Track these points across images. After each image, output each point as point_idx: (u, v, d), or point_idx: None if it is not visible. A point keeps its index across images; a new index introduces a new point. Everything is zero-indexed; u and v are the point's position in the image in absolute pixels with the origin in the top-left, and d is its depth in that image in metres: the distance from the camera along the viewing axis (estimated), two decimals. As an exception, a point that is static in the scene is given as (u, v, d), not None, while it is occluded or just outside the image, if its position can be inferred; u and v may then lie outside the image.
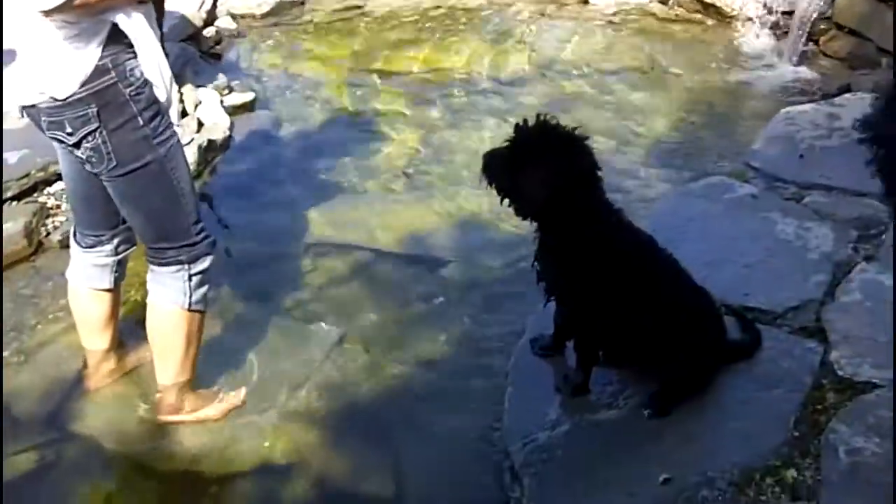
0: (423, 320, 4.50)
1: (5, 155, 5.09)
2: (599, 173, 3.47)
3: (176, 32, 7.18)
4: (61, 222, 5.01)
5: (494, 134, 6.31)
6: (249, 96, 6.77)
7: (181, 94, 6.00)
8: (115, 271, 3.83)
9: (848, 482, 3.23)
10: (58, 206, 5.15)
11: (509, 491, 3.48)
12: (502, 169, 3.44)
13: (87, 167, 3.32)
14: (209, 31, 7.93)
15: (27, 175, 5.17)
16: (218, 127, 6.15)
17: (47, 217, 5.08)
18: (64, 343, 4.15)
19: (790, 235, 4.62)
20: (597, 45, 7.91)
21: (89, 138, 3.19)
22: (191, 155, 5.61)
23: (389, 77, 7.33)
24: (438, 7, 8.65)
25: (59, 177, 4.78)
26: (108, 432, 3.90)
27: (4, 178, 5.03)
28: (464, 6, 8.65)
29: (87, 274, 3.84)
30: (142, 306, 3.89)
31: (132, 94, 3.18)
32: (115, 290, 3.89)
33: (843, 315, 4.03)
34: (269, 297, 4.68)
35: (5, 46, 3.29)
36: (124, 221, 3.62)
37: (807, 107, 6.12)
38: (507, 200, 3.50)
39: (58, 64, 3.08)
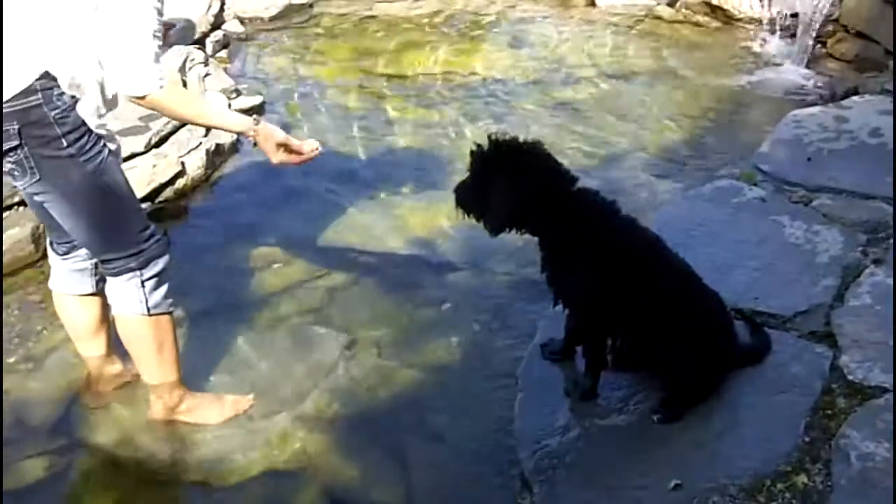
0: (433, 325, 4.49)
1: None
2: (568, 175, 3.48)
3: (183, 36, 7.19)
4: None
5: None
6: (257, 100, 6.77)
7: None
8: (95, 275, 3.81)
9: (859, 487, 3.21)
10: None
11: (519, 497, 3.46)
12: (468, 198, 3.55)
13: (10, 179, 3.32)
14: (217, 35, 7.94)
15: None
16: (226, 131, 6.13)
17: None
18: (71, 349, 4.13)
19: (799, 239, 4.62)
20: (604, 48, 7.92)
21: (11, 154, 3.18)
22: (198, 159, 5.63)
23: (397, 80, 7.34)
24: (446, 10, 8.66)
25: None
26: (116, 438, 3.89)
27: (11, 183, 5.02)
28: (472, 9, 8.65)
29: (68, 280, 3.85)
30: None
31: (56, 116, 3.16)
32: (100, 295, 3.86)
33: (853, 319, 4.03)
34: (278, 302, 4.67)
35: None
36: None
37: (814, 109, 6.12)
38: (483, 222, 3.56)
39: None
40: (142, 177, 5.24)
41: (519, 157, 3.41)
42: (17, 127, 3.12)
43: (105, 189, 3.35)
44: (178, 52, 6.74)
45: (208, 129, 5.88)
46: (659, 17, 8.45)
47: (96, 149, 3.30)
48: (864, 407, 3.55)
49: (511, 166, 3.38)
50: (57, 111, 3.15)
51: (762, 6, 8.09)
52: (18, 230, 4.78)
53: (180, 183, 5.60)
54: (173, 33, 6.91)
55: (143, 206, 4.80)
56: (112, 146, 3.43)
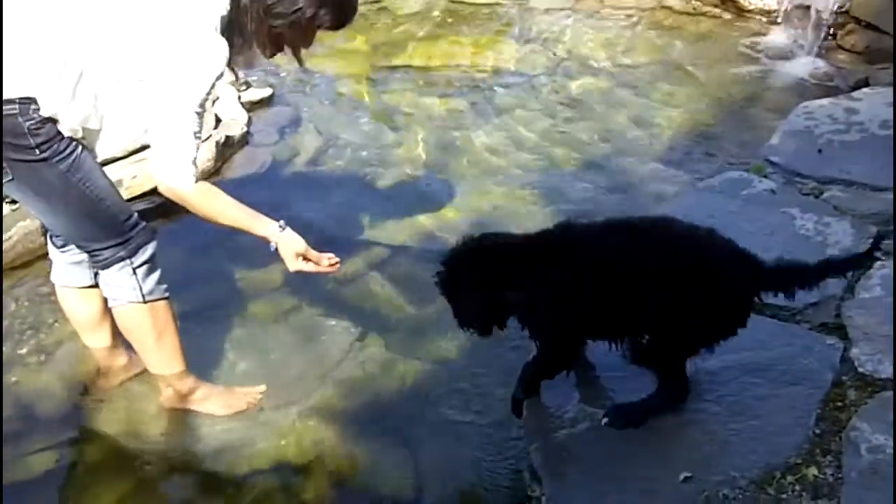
0: (442, 318, 4.46)
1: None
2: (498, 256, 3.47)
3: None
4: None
5: (510, 130, 6.32)
6: (267, 92, 6.76)
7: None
8: (92, 267, 3.81)
9: (869, 480, 3.20)
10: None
11: (529, 489, 3.45)
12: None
13: None
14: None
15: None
16: (235, 123, 6.14)
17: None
18: (81, 341, 4.13)
19: (810, 231, 4.60)
20: (614, 40, 7.88)
21: None
22: (208, 151, 5.61)
23: (408, 72, 7.32)
24: (457, 3, 8.63)
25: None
26: (125, 430, 3.91)
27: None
28: (482, 2, 8.62)
29: (67, 273, 3.86)
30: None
31: (31, 127, 3.16)
32: (99, 287, 3.86)
33: (863, 311, 4.01)
34: (287, 294, 4.67)
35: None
36: None
37: (825, 101, 6.08)
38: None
39: None
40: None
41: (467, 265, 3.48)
42: None
43: (80, 184, 3.35)
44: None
45: (218, 120, 5.90)
46: (669, 8, 8.40)
47: (69, 149, 3.30)
48: (875, 399, 3.54)
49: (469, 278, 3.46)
50: (32, 122, 3.16)
51: (772, -3, 8.08)
52: (29, 221, 4.76)
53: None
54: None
55: (154, 198, 4.81)
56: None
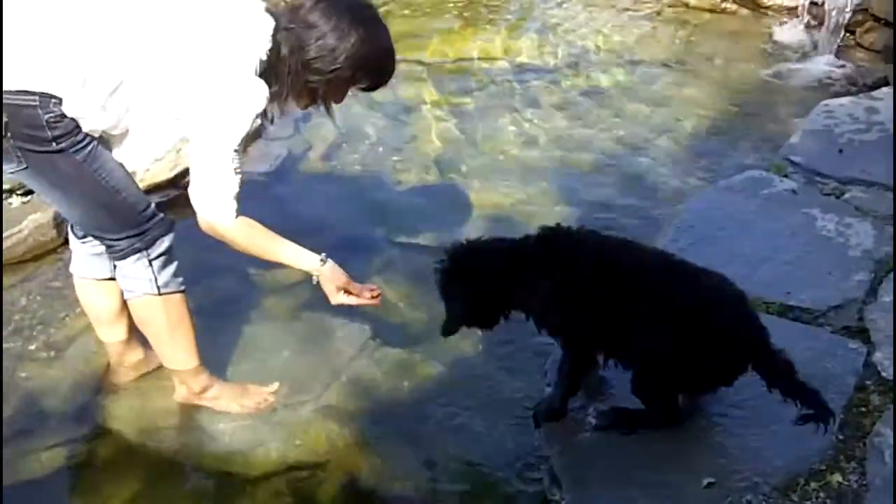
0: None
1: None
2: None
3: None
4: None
5: (526, 126, 6.28)
6: (281, 85, 6.71)
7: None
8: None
9: (893, 487, 3.15)
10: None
11: (549, 493, 3.42)
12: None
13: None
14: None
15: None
16: (249, 116, 6.08)
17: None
18: (93, 336, 4.10)
19: (831, 232, 4.56)
20: (630, 35, 7.87)
21: None
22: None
23: (421, 66, 7.28)
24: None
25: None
26: (137, 428, 3.88)
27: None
28: (497, -5, 8.61)
29: (87, 264, 3.84)
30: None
31: (50, 120, 3.14)
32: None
33: (886, 314, 3.97)
34: (300, 293, 4.60)
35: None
36: None
37: (845, 100, 6.05)
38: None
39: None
40: (165, 162, 5.19)
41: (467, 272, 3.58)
42: (5, 120, 3.11)
43: (95, 174, 3.33)
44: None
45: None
46: (686, 4, 8.37)
47: (85, 140, 3.28)
48: (899, 404, 3.50)
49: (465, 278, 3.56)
50: (51, 115, 3.14)
51: (791, -6, 8.03)
52: (40, 215, 4.74)
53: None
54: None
55: (168, 191, 4.78)
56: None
